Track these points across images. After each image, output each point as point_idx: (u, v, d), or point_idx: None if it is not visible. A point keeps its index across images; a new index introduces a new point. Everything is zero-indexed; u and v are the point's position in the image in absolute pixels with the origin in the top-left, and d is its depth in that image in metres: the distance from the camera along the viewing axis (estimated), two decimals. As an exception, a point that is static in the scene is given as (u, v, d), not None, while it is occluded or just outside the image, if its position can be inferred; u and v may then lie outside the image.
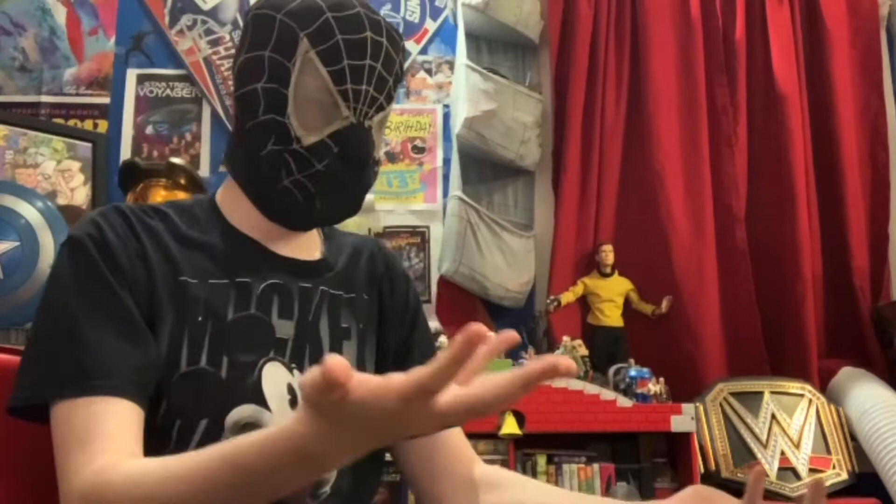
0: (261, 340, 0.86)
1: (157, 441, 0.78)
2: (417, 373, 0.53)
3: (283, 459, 0.61)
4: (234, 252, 0.89)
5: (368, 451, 0.61)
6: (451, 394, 0.56)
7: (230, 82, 2.79)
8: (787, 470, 2.23)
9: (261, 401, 0.83)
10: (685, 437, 2.14)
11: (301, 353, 0.88)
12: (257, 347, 0.86)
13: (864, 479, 2.24)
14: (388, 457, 1.00)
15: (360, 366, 0.93)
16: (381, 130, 0.93)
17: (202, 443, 0.78)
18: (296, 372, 0.87)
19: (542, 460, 2.12)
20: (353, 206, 0.92)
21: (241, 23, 2.86)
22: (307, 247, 0.96)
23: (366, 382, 0.54)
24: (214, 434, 0.80)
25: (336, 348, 0.91)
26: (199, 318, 0.83)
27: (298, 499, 0.83)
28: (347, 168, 0.88)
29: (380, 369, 0.95)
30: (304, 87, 0.86)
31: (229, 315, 0.85)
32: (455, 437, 0.98)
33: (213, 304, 0.85)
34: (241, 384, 0.83)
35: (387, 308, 1.00)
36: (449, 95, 2.85)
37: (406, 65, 2.86)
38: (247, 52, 0.90)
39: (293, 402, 0.85)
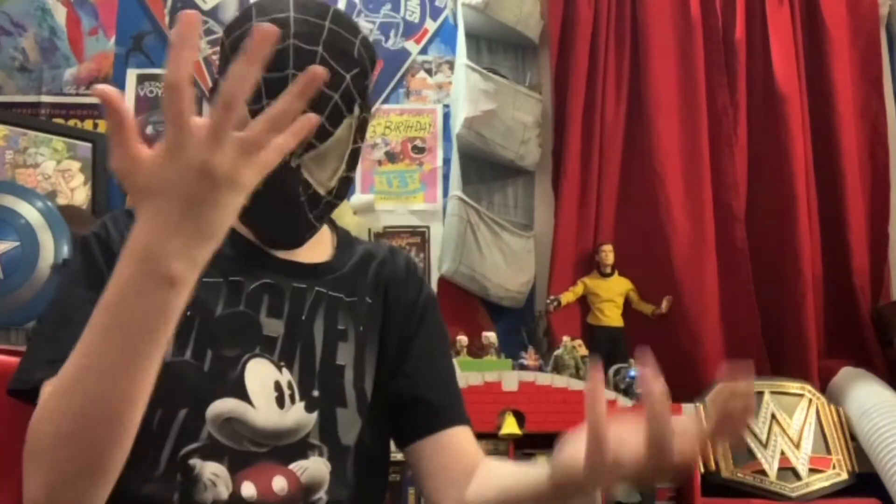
0: (247, 337, 0.86)
1: (139, 431, 0.75)
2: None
3: (124, 273, 0.61)
4: (232, 254, 0.89)
5: (201, 239, 0.61)
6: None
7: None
8: (787, 470, 2.22)
9: (243, 395, 0.83)
10: (685, 437, 2.13)
11: (291, 352, 0.88)
12: (242, 343, 0.86)
13: (864, 479, 2.24)
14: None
15: (359, 368, 0.92)
16: (323, 162, 0.89)
17: (181, 433, 0.80)
18: (284, 370, 0.86)
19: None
20: (292, 239, 0.92)
21: (241, 23, 2.86)
22: (313, 251, 0.96)
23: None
24: (194, 426, 0.81)
25: (330, 348, 0.90)
26: (188, 314, 0.81)
27: None
28: (271, 207, 0.85)
29: (380, 371, 0.94)
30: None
31: (218, 311, 0.86)
32: (458, 436, 0.97)
33: (203, 300, 0.85)
34: (223, 378, 0.83)
35: (392, 309, 0.98)
36: (449, 95, 2.85)
37: (406, 65, 2.89)
38: (225, 39, 0.93)
39: (280, 400, 0.85)
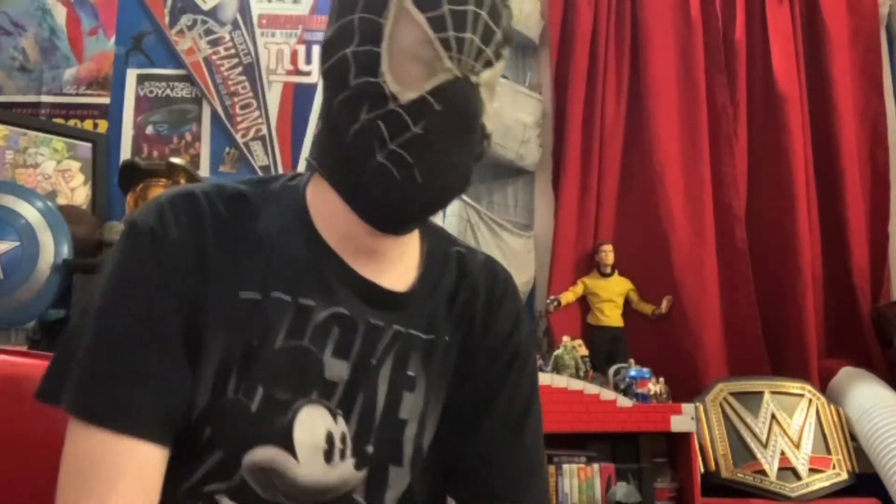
0: (305, 378, 0.74)
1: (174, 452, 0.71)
2: None
3: None
4: (309, 266, 0.77)
5: None
6: None
7: (230, 82, 2.80)
8: (787, 470, 2.22)
9: (288, 446, 0.72)
10: (685, 437, 2.13)
11: (352, 400, 0.75)
12: (299, 385, 0.74)
13: (864, 479, 2.24)
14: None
15: (422, 422, 0.79)
16: (490, 95, 0.79)
17: (210, 473, 0.71)
18: (340, 420, 0.74)
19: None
20: (461, 178, 0.77)
21: (241, 23, 2.86)
22: (398, 270, 0.82)
23: None
24: (227, 468, 0.71)
25: (394, 400, 0.77)
26: (254, 343, 0.73)
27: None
28: (451, 129, 0.74)
29: (445, 426, 0.80)
30: (400, 41, 0.74)
31: (278, 342, 0.74)
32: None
33: (269, 326, 0.74)
34: (270, 423, 0.72)
35: (475, 346, 0.83)
36: (449, 95, 2.85)
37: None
38: (335, 23, 0.77)
39: (328, 454, 0.73)
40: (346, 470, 0.74)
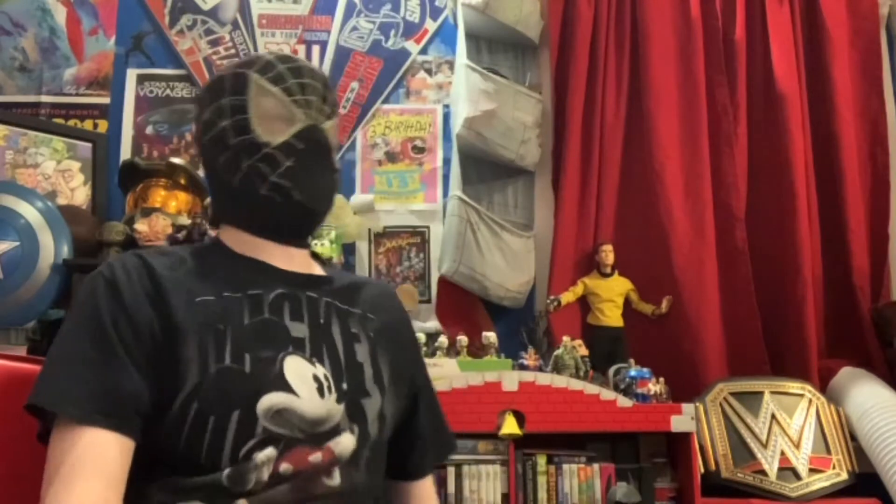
0: (277, 338, 0.96)
1: (192, 437, 0.87)
2: None
3: None
4: (242, 273, 1.01)
5: None
6: None
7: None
8: (787, 470, 2.22)
9: (287, 388, 0.92)
10: (685, 437, 2.13)
11: (319, 350, 0.98)
12: (276, 344, 0.95)
13: (864, 479, 2.24)
14: None
15: (375, 367, 1.03)
16: (335, 136, 1.07)
17: (238, 432, 0.87)
18: (318, 364, 0.96)
19: (542, 460, 2.11)
20: (328, 196, 1.06)
21: (241, 23, 2.86)
22: (307, 265, 1.08)
23: None
24: (248, 422, 0.88)
25: (349, 348, 1.01)
26: (220, 327, 0.93)
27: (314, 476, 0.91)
28: (314, 160, 1.02)
29: (395, 389, 1.06)
30: (263, 108, 1.02)
31: (245, 321, 0.95)
32: (425, 488, 1.16)
33: (230, 313, 0.95)
34: (265, 375, 0.91)
35: (389, 328, 1.11)
36: (449, 95, 2.85)
37: (405, 65, 2.89)
38: (208, 107, 1.05)
39: (320, 390, 0.94)
40: (331, 403, 0.95)
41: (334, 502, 0.92)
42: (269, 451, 0.88)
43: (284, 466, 0.89)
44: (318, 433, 0.93)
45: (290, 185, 1.00)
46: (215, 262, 1.02)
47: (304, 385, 0.93)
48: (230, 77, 1.05)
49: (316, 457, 0.91)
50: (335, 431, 0.94)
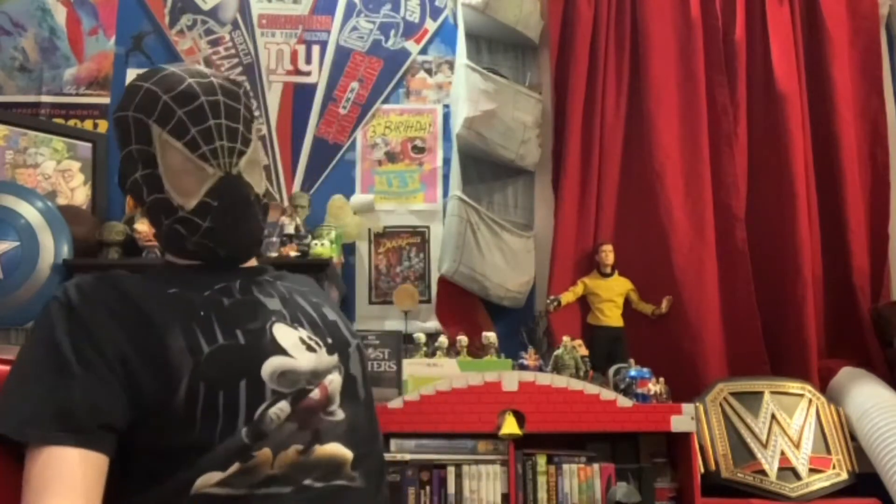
0: (259, 313, 1.03)
1: (206, 416, 0.91)
2: None
3: None
4: (202, 276, 1.05)
5: None
6: None
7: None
8: (787, 470, 2.22)
9: (282, 352, 0.99)
10: (685, 437, 2.13)
11: (297, 317, 1.07)
12: (260, 317, 1.02)
13: (864, 479, 2.24)
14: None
15: (345, 323, 1.14)
16: (253, 168, 1.07)
17: (250, 399, 0.94)
18: (299, 328, 1.05)
19: (542, 460, 2.11)
20: (253, 241, 1.10)
21: (241, 23, 2.87)
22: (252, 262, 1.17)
23: None
24: (257, 389, 0.95)
25: (319, 312, 1.11)
26: (201, 313, 0.98)
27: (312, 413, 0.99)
28: (233, 213, 1.03)
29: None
30: (170, 163, 1.01)
31: (225, 303, 1.02)
32: None
33: (207, 301, 1.00)
34: (260, 344, 0.99)
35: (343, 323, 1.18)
36: (449, 95, 2.85)
37: (405, 65, 2.89)
38: (121, 151, 1.05)
39: (309, 348, 1.03)
40: (324, 356, 1.04)
41: (341, 431, 1.01)
42: (283, 405, 0.95)
43: (295, 408, 0.97)
44: (320, 380, 1.02)
45: (212, 245, 1.03)
46: (172, 274, 1.07)
47: (294, 347, 1.01)
48: (133, 120, 1.03)
49: (314, 393, 1.00)
50: (328, 373, 1.03)
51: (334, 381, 1.03)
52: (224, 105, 1.03)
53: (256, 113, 1.12)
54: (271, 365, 0.97)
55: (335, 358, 1.06)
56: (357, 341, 1.13)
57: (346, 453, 1.00)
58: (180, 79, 1.02)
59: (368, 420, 1.09)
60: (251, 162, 1.06)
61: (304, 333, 1.04)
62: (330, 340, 1.07)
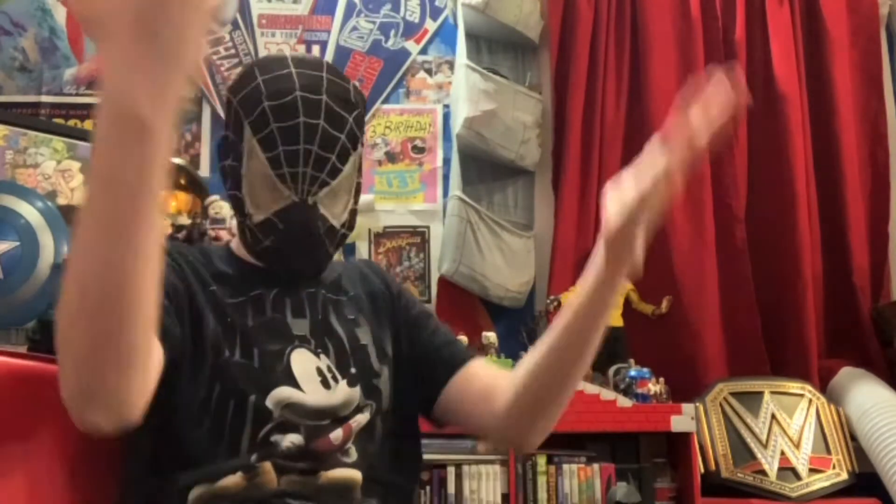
0: (282, 334, 1.00)
1: (218, 416, 0.92)
2: None
3: (100, 129, 0.60)
4: (245, 277, 1.04)
5: (163, 66, 0.58)
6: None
7: (230, 82, 2.79)
8: (787, 470, 2.22)
9: (293, 383, 0.96)
10: (685, 437, 2.13)
11: (323, 343, 1.02)
12: (282, 340, 0.99)
13: (864, 479, 2.24)
14: None
15: (378, 345, 1.07)
16: (335, 197, 1.03)
17: (256, 415, 0.93)
18: (322, 356, 1.01)
19: (542, 460, 2.11)
20: (313, 270, 1.07)
21: (240, 23, 2.87)
22: None
23: None
24: (265, 407, 0.94)
25: (351, 334, 1.05)
26: (228, 319, 0.97)
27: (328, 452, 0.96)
28: (296, 242, 1.00)
29: (398, 344, 1.11)
30: (252, 169, 0.99)
31: (250, 321, 0.99)
32: (472, 367, 1.10)
33: (237, 312, 0.99)
34: (273, 369, 0.96)
35: (379, 298, 1.14)
36: (449, 95, 2.85)
37: (405, 65, 2.89)
38: (223, 130, 1.05)
39: (325, 382, 0.99)
40: (344, 389, 0.99)
41: (350, 462, 0.97)
42: (295, 438, 0.94)
43: (310, 446, 0.95)
44: (343, 417, 0.98)
45: (275, 259, 1.03)
46: (224, 266, 1.05)
47: (308, 379, 0.97)
48: (234, 111, 1.01)
49: (337, 434, 0.96)
50: (357, 411, 0.99)
51: (360, 420, 1.00)
52: (322, 131, 0.98)
53: (369, 135, 1.01)
54: (278, 394, 0.95)
55: (357, 390, 1.01)
56: (393, 368, 1.08)
57: (356, 476, 0.97)
58: (290, 87, 0.98)
59: (383, 452, 1.03)
60: (334, 192, 1.02)
61: (324, 363, 1.01)
62: (354, 371, 1.02)
